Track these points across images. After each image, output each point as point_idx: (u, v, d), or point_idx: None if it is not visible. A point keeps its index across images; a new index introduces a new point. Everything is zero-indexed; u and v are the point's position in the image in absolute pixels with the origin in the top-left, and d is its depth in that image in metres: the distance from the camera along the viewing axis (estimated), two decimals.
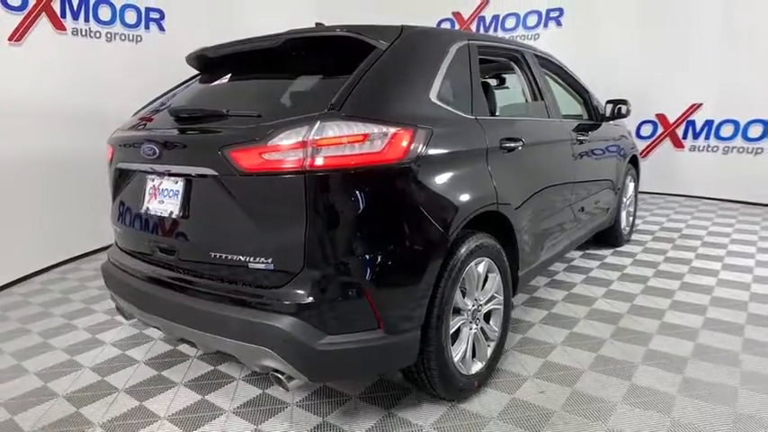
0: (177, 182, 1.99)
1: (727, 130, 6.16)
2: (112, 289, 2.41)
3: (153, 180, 2.11)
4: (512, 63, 3.01)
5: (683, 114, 6.43)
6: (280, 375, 1.82)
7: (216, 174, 1.81)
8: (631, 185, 4.52)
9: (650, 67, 6.33)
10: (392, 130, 1.80)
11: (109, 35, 4.84)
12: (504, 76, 3.72)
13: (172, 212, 1.99)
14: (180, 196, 1.97)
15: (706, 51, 6.06)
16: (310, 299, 1.73)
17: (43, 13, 4.32)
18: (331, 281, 1.75)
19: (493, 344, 2.39)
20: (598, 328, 2.93)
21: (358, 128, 1.73)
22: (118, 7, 4.85)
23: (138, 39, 5.09)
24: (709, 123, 6.28)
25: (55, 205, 4.51)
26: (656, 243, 4.61)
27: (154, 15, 5.19)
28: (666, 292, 3.44)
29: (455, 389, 2.15)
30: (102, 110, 4.77)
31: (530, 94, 3.02)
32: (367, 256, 1.77)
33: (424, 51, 2.17)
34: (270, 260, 1.75)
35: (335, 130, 1.70)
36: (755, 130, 5.94)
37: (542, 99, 3.04)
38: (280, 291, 1.76)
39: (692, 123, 6.39)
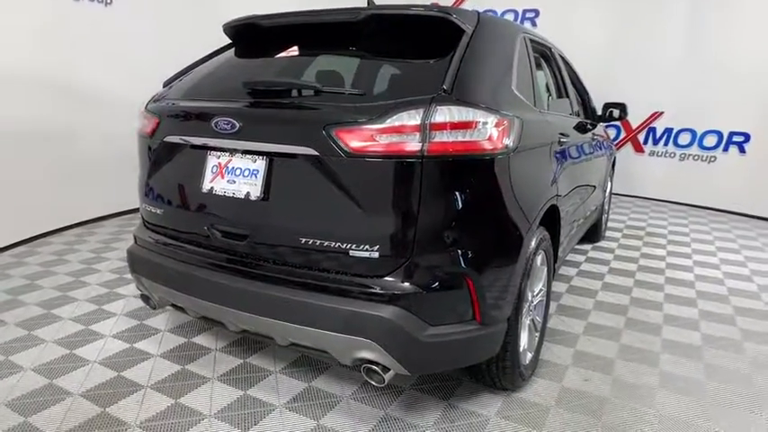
0: (256, 160, 1.83)
1: (684, 138, 6.67)
2: (144, 274, 2.18)
3: (219, 157, 1.92)
4: (542, 59, 3.07)
5: (646, 121, 6.91)
6: (376, 368, 1.74)
7: (316, 154, 1.68)
8: (609, 185, 4.81)
9: (617, 75, 6.72)
10: (497, 118, 1.77)
11: None
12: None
13: (248, 194, 1.83)
14: (261, 176, 1.81)
15: (669, 62, 6.52)
16: (417, 288, 1.67)
17: None
18: (438, 270, 1.70)
19: (538, 335, 2.45)
20: (610, 319, 3.08)
21: (470, 114, 1.68)
22: None
23: (108, 1, 4.70)
24: (668, 131, 6.78)
25: None
26: (626, 240, 4.94)
27: None
28: (656, 285, 3.69)
29: (518, 379, 2.18)
30: (67, 74, 4.43)
31: (556, 91, 3.11)
32: (473, 246, 1.73)
33: (501, 40, 2.15)
34: (375, 248, 1.67)
35: (450, 114, 1.65)
36: (710, 140, 6.46)
37: (567, 96, 3.14)
38: (383, 280, 1.68)
39: (653, 130, 6.89)
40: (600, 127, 4.12)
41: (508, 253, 1.85)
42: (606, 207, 4.87)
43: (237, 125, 1.80)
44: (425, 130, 1.61)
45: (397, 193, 1.65)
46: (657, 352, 2.70)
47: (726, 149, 6.36)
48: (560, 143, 2.47)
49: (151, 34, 5.10)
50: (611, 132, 7.09)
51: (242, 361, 2.50)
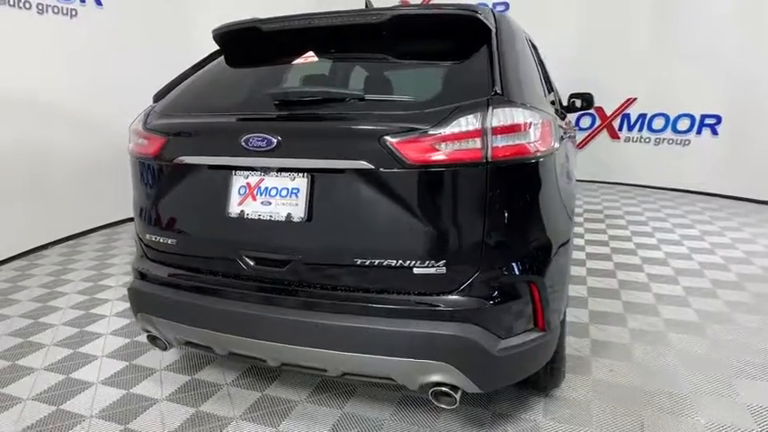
0: (295, 178, 1.65)
1: (658, 123, 6.78)
2: (155, 313, 1.93)
3: (247, 177, 1.72)
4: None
5: (619, 107, 7.01)
6: (448, 390, 1.64)
7: (370, 168, 1.55)
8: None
9: (589, 63, 6.77)
10: (543, 118, 1.72)
11: (40, 7, 4.26)
12: None
13: (289, 215, 1.65)
14: (303, 195, 1.64)
15: (641, 48, 6.61)
16: (488, 301, 1.59)
17: None
18: (506, 280, 1.62)
19: None
20: (609, 305, 3.16)
21: (525, 115, 1.61)
22: None
23: (74, 13, 4.53)
24: (642, 116, 6.88)
25: None
26: (589, 224, 5.14)
27: None
28: (635, 266, 3.86)
29: (561, 378, 2.16)
30: (34, 91, 4.31)
31: (546, 85, 3.12)
32: (536, 251, 1.68)
33: (518, 37, 2.10)
34: (442, 263, 1.56)
35: (509, 116, 1.57)
36: (684, 124, 6.59)
37: (551, 92, 3.17)
38: (453, 295, 1.58)
39: (628, 116, 7.00)
40: (569, 117, 4.22)
41: (564, 253, 1.82)
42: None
43: (274, 141, 1.62)
44: (487, 134, 1.52)
45: (464, 202, 1.55)
46: (664, 332, 2.79)
47: (699, 132, 6.51)
48: (561, 138, 2.47)
49: (116, 46, 5.02)
50: (586, 121, 7.32)
51: (260, 394, 2.30)
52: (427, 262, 1.56)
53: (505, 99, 1.61)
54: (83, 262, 4.21)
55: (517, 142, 1.58)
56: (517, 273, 1.64)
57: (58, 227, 4.70)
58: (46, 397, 2.32)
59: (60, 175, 4.64)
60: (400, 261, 1.58)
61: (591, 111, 7.03)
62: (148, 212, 1.95)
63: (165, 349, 2.10)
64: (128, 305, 3.27)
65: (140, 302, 1.97)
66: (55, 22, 4.43)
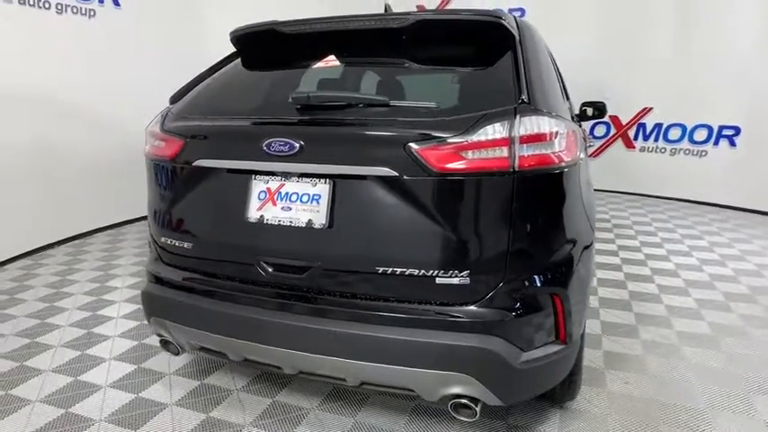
0: (316, 184, 1.63)
1: (674, 133, 6.62)
2: (169, 318, 1.91)
3: (267, 182, 1.70)
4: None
5: (635, 117, 6.87)
6: (467, 402, 1.61)
7: (395, 175, 1.52)
8: None
9: (605, 71, 6.65)
10: (569, 127, 1.70)
11: (60, 7, 4.31)
12: None
13: (310, 221, 1.63)
14: (324, 202, 1.62)
15: (659, 56, 6.47)
16: (511, 313, 1.56)
17: None
18: (530, 291, 1.60)
19: None
20: (620, 316, 3.13)
21: (552, 124, 1.59)
22: None
23: (92, 13, 4.59)
24: (658, 126, 6.73)
25: None
26: (600, 233, 5.11)
27: None
28: (645, 277, 3.83)
29: (578, 390, 2.13)
30: (50, 90, 4.34)
31: (563, 93, 3.10)
32: (561, 262, 1.65)
33: (540, 43, 2.08)
34: (465, 273, 1.54)
35: (537, 125, 1.55)
36: (701, 134, 6.43)
37: (567, 99, 3.15)
38: (476, 306, 1.56)
39: (643, 126, 6.84)
40: (583, 126, 4.20)
41: (586, 265, 1.79)
42: None
43: (297, 146, 1.60)
44: (514, 143, 1.50)
45: (489, 211, 1.53)
46: (676, 344, 2.76)
47: (716, 143, 6.35)
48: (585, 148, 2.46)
49: (132, 46, 5.07)
50: (601, 129, 7.22)
51: (271, 400, 2.27)
52: (450, 272, 1.54)
53: (532, 107, 1.59)
54: (89, 262, 4.18)
55: (544, 152, 1.56)
56: (541, 284, 1.61)
57: (64, 226, 4.68)
58: (55, 399, 2.29)
59: (69, 174, 4.64)
60: (423, 270, 1.55)
61: (606, 119, 6.91)
62: (164, 215, 1.92)
63: (177, 354, 2.07)
64: (135, 307, 3.27)
65: (154, 306, 1.94)
66: (74, 23, 4.48)
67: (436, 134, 1.52)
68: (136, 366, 2.56)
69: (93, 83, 4.73)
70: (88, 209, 4.90)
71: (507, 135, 1.50)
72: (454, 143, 1.50)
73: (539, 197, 1.59)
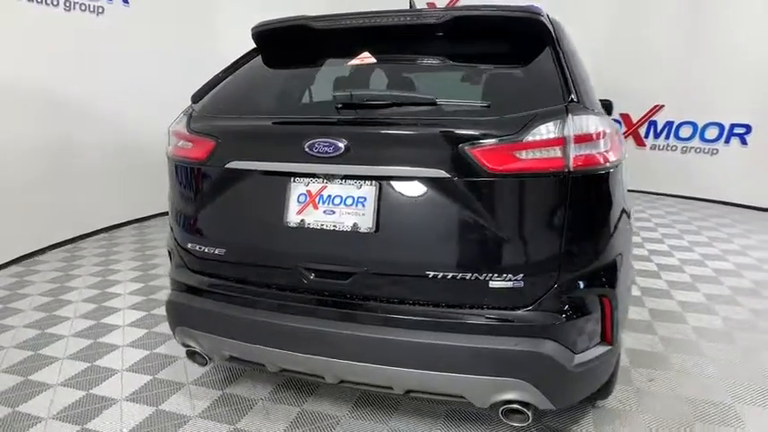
0: (361, 186, 1.58)
1: (685, 131, 6.57)
2: (198, 327, 1.83)
3: (307, 184, 1.64)
4: None
5: (646, 114, 6.83)
6: (519, 407, 1.58)
7: (447, 176, 1.48)
8: None
9: (617, 69, 6.47)
10: (613, 126, 1.67)
11: (68, 4, 4.30)
12: None
13: (356, 225, 1.57)
14: (370, 204, 1.56)
15: (670, 55, 6.41)
16: (564, 316, 1.54)
17: None
18: (581, 293, 1.57)
19: None
20: (636, 312, 3.14)
21: (599, 123, 1.57)
22: None
23: (100, 10, 4.55)
24: (669, 124, 6.68)
25: None
26: None
27: None
28: (651, 273, 3.87)
29: (612, 389, 2.12)
30: (57, 89, 4.28)
31: None
32: (609, 264, 1.63)
33: (571, 40, 2.06)
34: (519, 276, 1.50)
35: (585, 124, 1.52)
36: (712, 132, 6.39)
37: None
38: (530, 310, 1.52)
39: (654, 123, 6.79)
40: None
41: (629, 265, 1.78)
42: None
43: (342, 147, 1.54)
44: (568, 143, 1.47)
45: (543, 213, 1.50)
46: (693, 340, 2.79)
47: (727, 142, 6.30)
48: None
49: (141, 44, 5.00)
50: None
51: (299, 409, 2.20)
52: (504, 275, 1.50)
53: (582, 106, 1.57)
54: (85, 267, 4.04)
55: (593, 151, 1.54)
56: (591, 286, 1.59)
57: (57, 230, 4.51)
58: (68, 415, 2.19)
59: (65, 176, 4.49)
60: (475, 274, 1.51)
61: (616, 117, 6.79)
62: (191, 219, 1.84)
63: (204, 365, 2.00)
64: (142, 314, 3.16)
65: (181, 316, 1.86)
66: (81, 20, 4.43)
67: (489, 134, 1.48)
68: (151, 377, 2.46)
69: (101, 80, 4.66)
70: (81, 212, 4.73)
71: (561, 135, 1.47)
72: (508, 143, 1.46)
73: (590, 197, 1.56)
